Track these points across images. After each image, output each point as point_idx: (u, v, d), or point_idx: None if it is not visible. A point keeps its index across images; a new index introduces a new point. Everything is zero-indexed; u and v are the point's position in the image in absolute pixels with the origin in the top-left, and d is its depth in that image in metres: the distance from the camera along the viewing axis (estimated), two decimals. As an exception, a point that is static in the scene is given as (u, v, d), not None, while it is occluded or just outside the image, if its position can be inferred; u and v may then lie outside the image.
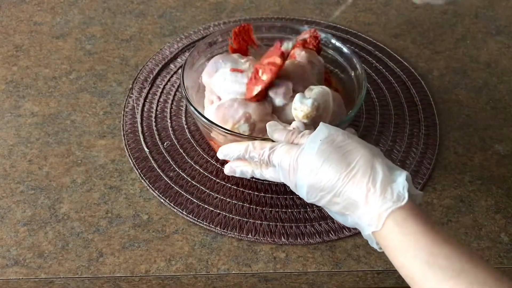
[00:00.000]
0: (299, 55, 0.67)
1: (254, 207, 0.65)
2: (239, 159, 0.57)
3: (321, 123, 0.53)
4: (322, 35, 0.71)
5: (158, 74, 0.80)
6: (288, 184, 0.54)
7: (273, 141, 0.56)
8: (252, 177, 0.59)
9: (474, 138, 0.74)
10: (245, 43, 0.72)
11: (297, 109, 0.59)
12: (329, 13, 0.92)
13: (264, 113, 0.62)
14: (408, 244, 0.46)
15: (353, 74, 0.69)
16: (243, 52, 0.72)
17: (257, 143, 0.55)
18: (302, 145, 0.52)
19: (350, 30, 0.89)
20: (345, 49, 0.70)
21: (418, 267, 0.44)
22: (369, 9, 0.94)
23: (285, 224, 0.63)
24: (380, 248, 0.49)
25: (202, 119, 0.61)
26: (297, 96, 0.60)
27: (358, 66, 0.68)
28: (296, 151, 0.52)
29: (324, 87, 0.63)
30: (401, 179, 0.48)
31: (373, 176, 0.48)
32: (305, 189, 0.51)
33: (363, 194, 0.47)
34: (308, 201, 0.52)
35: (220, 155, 0.58)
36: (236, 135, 0.59)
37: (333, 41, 0.71)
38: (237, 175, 0.59)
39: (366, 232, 0.48)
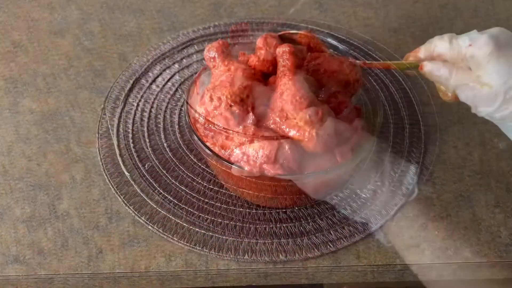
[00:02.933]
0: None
1: (247, 225, 0.63)
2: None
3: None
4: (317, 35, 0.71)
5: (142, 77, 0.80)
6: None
7: None
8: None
9: (473, 133, 0.74)
10: None
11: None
12: (327, 8, 0.92)
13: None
14: None
15: None
16: None
17: None
18: None
19: (350, 30, 0.88)
20: (340, 47, 0.70)
21: None
22: (368, 4, 0.94)
23: (282, 240, 0.61)
24: None
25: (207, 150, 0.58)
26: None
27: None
28: None
29: None
30: None
31: None
32: None
33: None
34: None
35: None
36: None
37: (328, 39, 0.71)
38: None
39: None
